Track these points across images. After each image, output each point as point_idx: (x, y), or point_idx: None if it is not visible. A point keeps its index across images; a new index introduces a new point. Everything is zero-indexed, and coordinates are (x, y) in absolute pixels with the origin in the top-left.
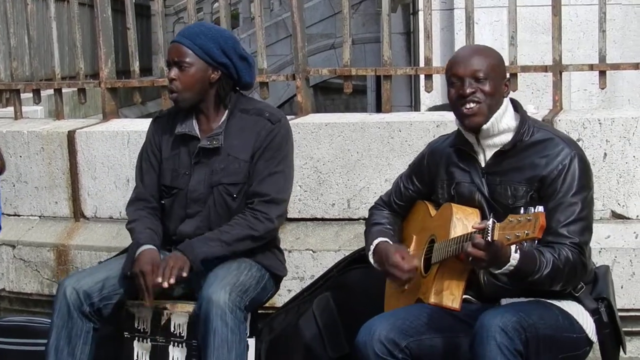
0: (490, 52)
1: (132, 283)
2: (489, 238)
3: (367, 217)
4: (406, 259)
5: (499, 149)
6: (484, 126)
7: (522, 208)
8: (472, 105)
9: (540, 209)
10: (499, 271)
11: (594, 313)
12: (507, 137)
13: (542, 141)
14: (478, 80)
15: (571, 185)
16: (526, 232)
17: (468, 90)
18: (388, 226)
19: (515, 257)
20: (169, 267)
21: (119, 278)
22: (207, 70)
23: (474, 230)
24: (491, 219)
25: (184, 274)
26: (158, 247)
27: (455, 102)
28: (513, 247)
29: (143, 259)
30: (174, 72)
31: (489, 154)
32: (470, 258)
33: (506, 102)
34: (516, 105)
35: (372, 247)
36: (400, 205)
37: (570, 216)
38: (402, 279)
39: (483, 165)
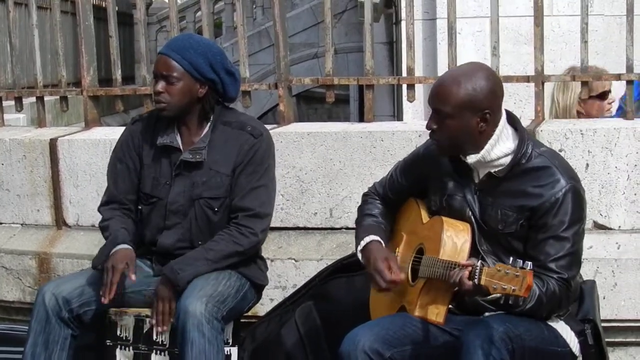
0: (468, 81)
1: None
2: (476, 281)
3: (359, 204)
4: (392, 270)
5: (493, 171)
6: (471, 160)
7: (510, 236)
8: (433, 140)
9: (529, 265)
10: (482, 299)
11: (580, 334)
12: (504, 161)
13: (539, 169)
14: (438, 118)
15: (563, 220)
16: (512, 287)
17: (427, 126)
18: (380, 219)
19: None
20: (159, 311)
21: (99, 284)
22: (194, 86)
23: (462, 266)
24: (479, 262)
25: (172, 319)
26: (133, 246)
27: None
28: None
29: (117, 255)
30: (161, 85)
31: (483, 172)
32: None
33: (499, 130)
34: (515, 123)
35: (362, 244)
36: (392, 199)
37: (559, 250)
38: (381, 287)
39: (477, 181)
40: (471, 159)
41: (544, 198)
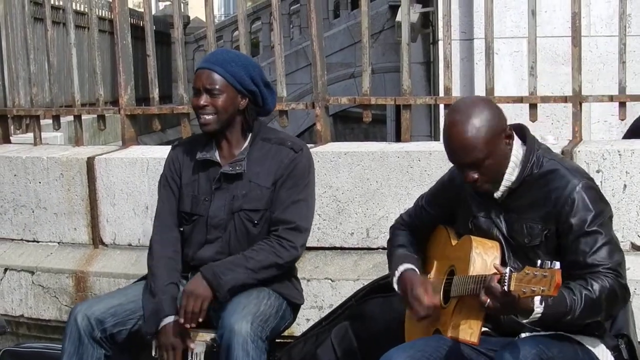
0: (478, 132)
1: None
2: (506, 288)
3: (389, 236)
4: (428, 295)
5: (508, 186)
6: (496, 194)
7: (538, 248)
8: (481, 188)
9: (557, 265)
10: (527, 321)
11: (614, 350)
12: (515, 174)
13: (549, 172)
14: (477, 167)
15: (585, 217)
16: (542, 288)
17: (469, 179)
18: (411, 248)
19: (539, 307)
20: (189, 309)
21: (134, 303)
22: (236, 98)
23: (492, 274)
24: (508, 268)
25: (201, 319)
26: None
27: None
28: (537, 299)
29: (171, 331)
30: (205, 98)
31: (502, 190)
32: (486, 304)
33: (514, 150)
34: (524, 133)
35: (397, 274)
36: (421, 228)
37: (594, 245)
38: (420, 314)
39: (499, 201)
40: (498, 193)
41: (561, 201)
